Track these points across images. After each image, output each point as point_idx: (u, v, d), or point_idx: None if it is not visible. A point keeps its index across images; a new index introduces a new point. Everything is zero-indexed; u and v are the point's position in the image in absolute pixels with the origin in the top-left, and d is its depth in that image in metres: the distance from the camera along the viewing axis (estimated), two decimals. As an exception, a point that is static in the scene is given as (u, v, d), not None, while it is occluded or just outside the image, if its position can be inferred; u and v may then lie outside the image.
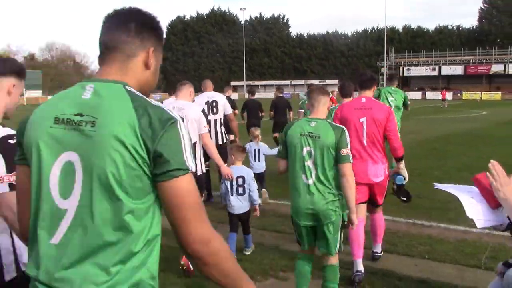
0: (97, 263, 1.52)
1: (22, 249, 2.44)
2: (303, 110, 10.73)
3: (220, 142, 7.87)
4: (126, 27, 1.71)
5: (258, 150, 7.98)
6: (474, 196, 2.72)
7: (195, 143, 5.37)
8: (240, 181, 5.45)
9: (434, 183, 3.59)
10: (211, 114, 7.88)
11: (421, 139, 17.44)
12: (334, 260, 4.20)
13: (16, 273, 2.45)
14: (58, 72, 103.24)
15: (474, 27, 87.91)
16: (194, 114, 5.41)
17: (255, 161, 7.96)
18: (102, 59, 1.73)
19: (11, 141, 2.37)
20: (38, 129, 1.62)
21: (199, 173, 5.41)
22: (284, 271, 5.07)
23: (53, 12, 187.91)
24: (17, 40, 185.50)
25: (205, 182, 6.85)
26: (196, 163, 5.35)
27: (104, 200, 1.52)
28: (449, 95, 72.88)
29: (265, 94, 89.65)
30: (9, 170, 2.35)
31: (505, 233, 3.97)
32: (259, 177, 7.52)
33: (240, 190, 5.45)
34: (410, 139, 17.59)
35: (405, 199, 5.84)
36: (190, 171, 1.57)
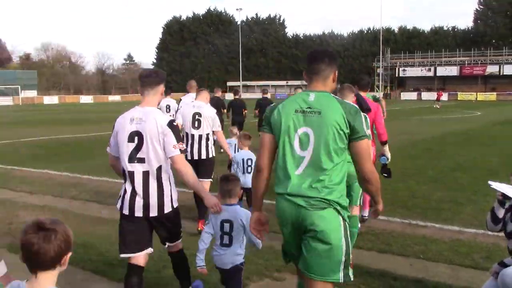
0: (321, 184, 2.96)
1: (174, 193, 3.95)
2: None
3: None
4: (323, 60, 3.22)
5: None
6: None
7: (208, 134, 6.77)
8: (250, 162, 6.72)
9: (489, 182, 3.66)
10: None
11: (416, 140, 17.49)
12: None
13: (171, 208, 3.92)
14: (53, 72, 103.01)
15: (470, 28, 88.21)
16: (209, 113, 6.85)
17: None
18: (311, 78, 3.22)
19: (174, 123, 3.90)
20: (284, 115, 3.10)
21: (210, 155, 6.82)
22: (279, 271, 5.06)
23: (48, 12, 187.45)
24: (13, 40, 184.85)
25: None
26: (209, 149, 6.77)
27: (325, 151, 2.98)
28: (444, 96, 73.07)
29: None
30: (178, 140, 3.81)
31: (500, 234, 4.00)
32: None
33: (249, 169, 6.70)
34: (404, 139, 17.64)
35: (386, 175, 7.12)
36: (366, 137, 3.07)
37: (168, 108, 12.26)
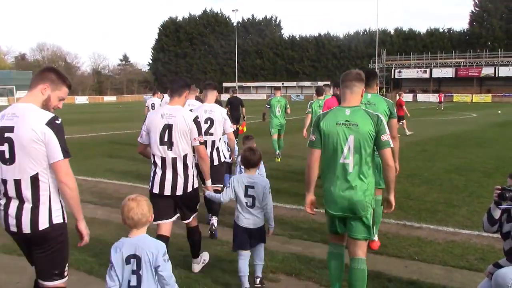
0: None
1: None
2: (269, 106, 13.29)
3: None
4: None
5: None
6: None
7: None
8: None
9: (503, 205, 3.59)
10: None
11: (411, 141, 17.53)
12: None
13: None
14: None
15: (465, 30, 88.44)
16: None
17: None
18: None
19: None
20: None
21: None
22: (274, 272, 5.07)
23: (44, 12, 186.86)
24: (8, 40, 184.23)
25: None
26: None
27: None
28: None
29: (257, 95, 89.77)
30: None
31: (494, 235, 4.02)
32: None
33: None
34: (399, 140, 17.65)
35: None
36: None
37: (152, 106, 13.42)
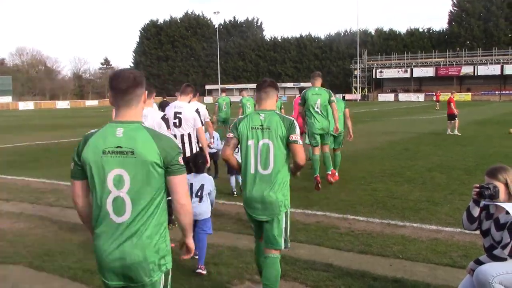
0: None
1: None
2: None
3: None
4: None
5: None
6: None
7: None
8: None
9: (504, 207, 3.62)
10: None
11: (393, 140, 17.69)
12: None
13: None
14: (28, 77, 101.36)
15: (444, 29, 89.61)
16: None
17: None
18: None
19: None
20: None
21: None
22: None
23: (23, 16, 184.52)
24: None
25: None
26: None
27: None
28: (421, 97, 74.14)
29: (240, 97, 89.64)
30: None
31: (476, 232, 4.07)
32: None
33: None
34: (382, 140, 17.83)
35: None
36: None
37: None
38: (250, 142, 4.12)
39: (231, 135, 4.27)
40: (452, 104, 19.95)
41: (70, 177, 2.80)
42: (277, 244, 4.12)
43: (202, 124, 7.55)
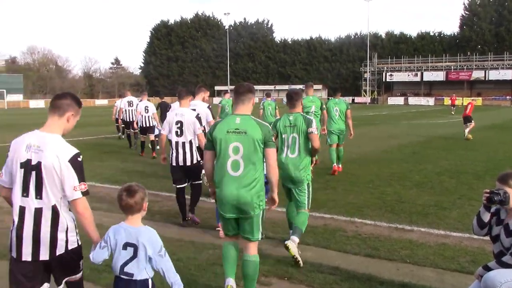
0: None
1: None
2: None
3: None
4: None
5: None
6: None
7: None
8: None
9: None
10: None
11: (402, 144, 17.61)
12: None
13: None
14: (39, 75, 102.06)
15: (456, 33, 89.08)
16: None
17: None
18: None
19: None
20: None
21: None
22: (265, 276, 5.06)
23: (35, 15, 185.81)
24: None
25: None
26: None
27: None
28: (431, 101, 73.76)
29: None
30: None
31: (485, 238, 4.04)
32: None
33: None
34: (391, 143, 17.76)
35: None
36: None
37: (146, 109, 13.96)
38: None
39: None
40: (470, 106, 20.47)
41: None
42: (304, 205, 5.80)
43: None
